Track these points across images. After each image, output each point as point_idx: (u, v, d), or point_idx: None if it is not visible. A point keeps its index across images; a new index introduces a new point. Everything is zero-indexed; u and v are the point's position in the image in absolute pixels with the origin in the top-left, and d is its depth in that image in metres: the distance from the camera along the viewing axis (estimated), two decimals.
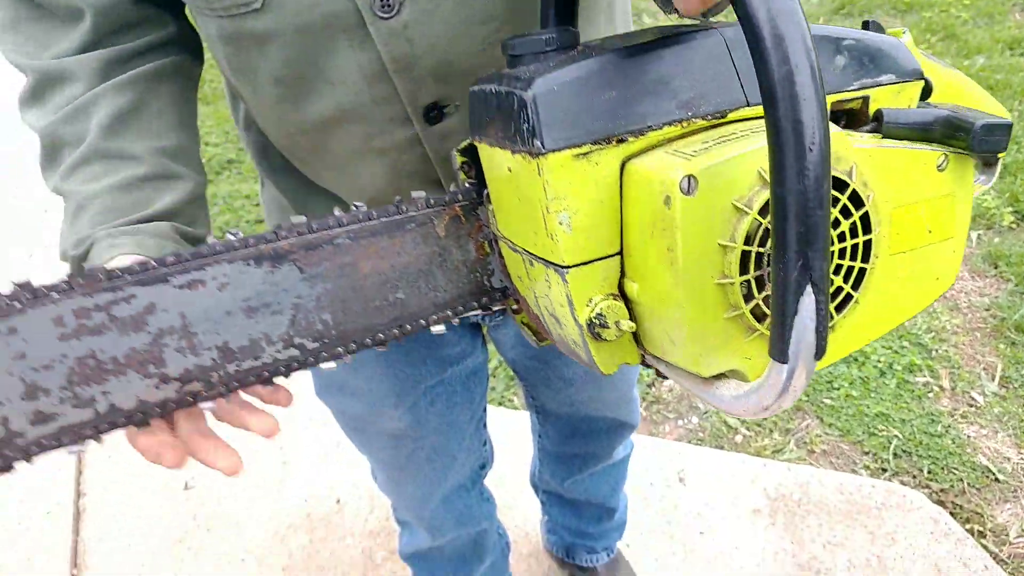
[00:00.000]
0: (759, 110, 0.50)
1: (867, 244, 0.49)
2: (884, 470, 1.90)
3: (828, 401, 2.05)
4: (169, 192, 0.64)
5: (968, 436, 1.96)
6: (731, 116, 0.50)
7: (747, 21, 0.37)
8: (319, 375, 0.97)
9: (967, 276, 2.44)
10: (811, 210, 0.37)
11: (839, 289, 0.50)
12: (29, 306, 0.46)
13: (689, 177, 0.43)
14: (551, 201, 0.47)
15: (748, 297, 0.47)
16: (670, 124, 0.48)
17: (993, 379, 2.11)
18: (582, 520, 1.51)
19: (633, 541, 1.74)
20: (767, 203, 0.44)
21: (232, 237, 0.52)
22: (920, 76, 0.56)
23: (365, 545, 1.77)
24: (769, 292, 0.44)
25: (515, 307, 0.63)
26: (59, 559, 1.75)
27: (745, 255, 0.46)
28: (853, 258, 0.49)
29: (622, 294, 0.51)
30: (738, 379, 0.49)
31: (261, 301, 0.52)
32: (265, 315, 0.53)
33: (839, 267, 0.49)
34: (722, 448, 1.95)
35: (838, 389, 2.07)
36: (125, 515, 1.86)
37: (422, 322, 0.59)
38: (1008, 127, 0.53)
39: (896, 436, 1.96)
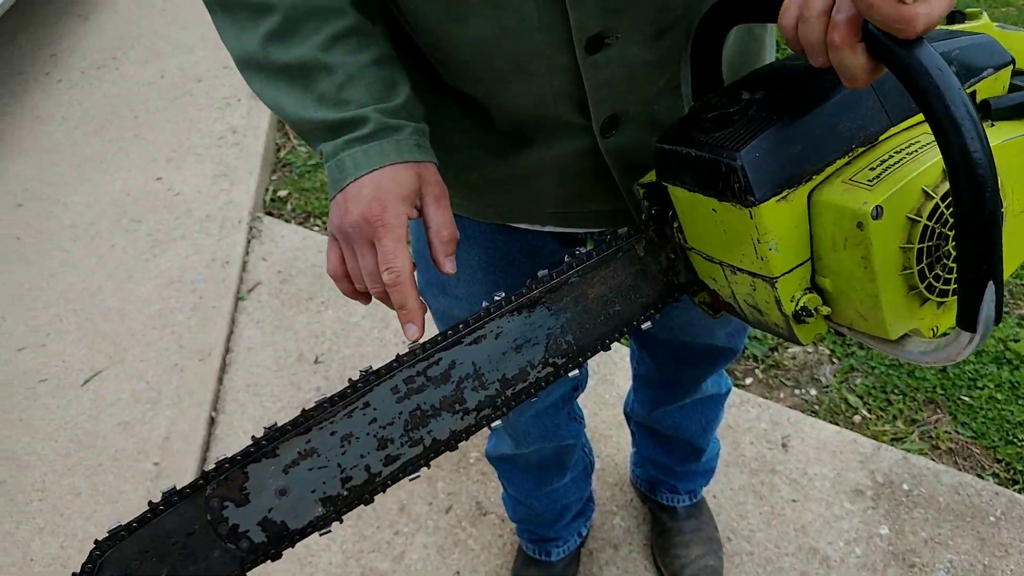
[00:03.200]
0: (902, 126, 0.63)
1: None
2: (1015, 482, 1.76)
3: (967, 399, 1.90)
4: (403, 75, 0.71)
5: None
6: (881, 138, 0.63)
7: (929, 117, 0.50)
8: (424, 274, 1.03)
9: None
10: (989, 234, 0.51)
11: None
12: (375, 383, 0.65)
13: (877, 207, 0.57)
14: (762, 235, 0.62)
15: (922, 277, 0.61)
16: (840, 157, 0.62)
17: None
18: (669, 456, 1.52)
19: (720, 493, 1.73)
20: (932, 209, 0.59)
21: (498, 298, 0.69)
22: (1009, 62, 0.67)
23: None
24: (937, 271, 0.62)
25: (693, 290, 0.78)
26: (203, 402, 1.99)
27: (920, 250, 0.60)
28: None
29: (813, 286, 0.66)
30: (916, 335, 0.64)
31: (525, 339, 0.70)
32: (528, 348, 0.70)
33: None
34: (836, 424, 1.87)
35: (981, 389, 1.92)
36: (263, 375, 2.07)
37: (634, 323, 0.76)
38: None
39: None
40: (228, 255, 2.40)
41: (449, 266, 0.70)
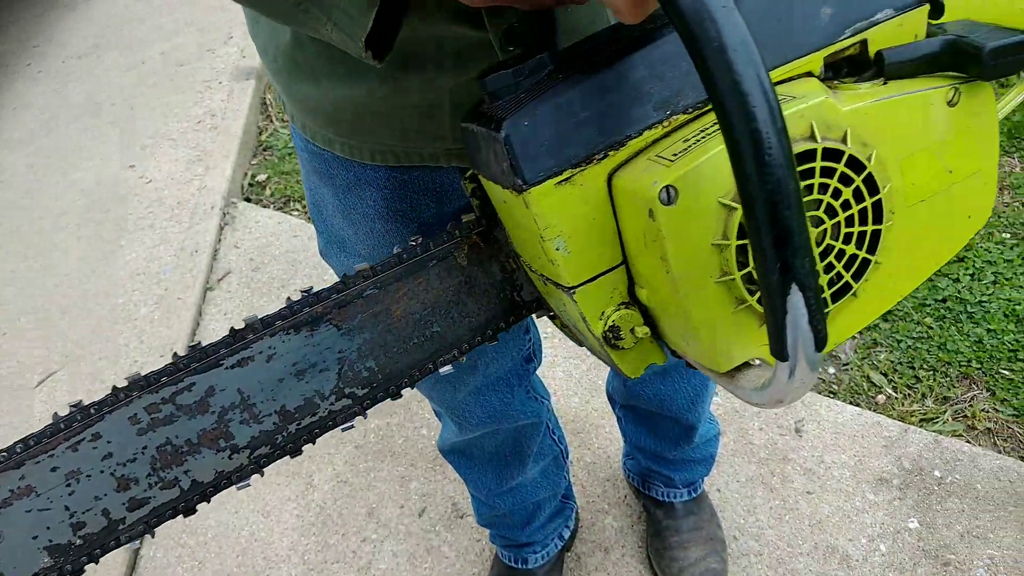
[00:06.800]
0: None
1: (877, 205, 0.49)
2: None
3: (1006, 372, 1.68)
4: None
5: None
6: None
7: (683, 32, 0.35)
8: (323, 232, 0.89)
9: None
10: (781, 213, 0.36)
11: (854, 257, 0.50)
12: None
13: (667, 188, 0.44)
14: (543, 230, 0.49)
15: (754, 289, 0.47)
16: (649, 128, 0.48)
17: None
18: (657, 438, 1.33)
19: (725, 487, 1.54)
20: None
21: (398, 250, 0.61)
22: (920, 1, 0.51)
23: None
24: None
25: (552, 313, 0.65)
26: None
27: (742, 248, 0.46)
28: (864, 223, 0.49)
29: (635, 301, 0.53)
30: (765, 365, 0.51)
31: (308, 363, 0.59)
32: (314, 374, 0.60)
33: (849, 235, 0.49)
34: (857, 406, 1.66)
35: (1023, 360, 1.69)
36: None
37: (464, 346, 0.64)
38: (1022, 44, 0.48)
39: None
40: (198, 243, 2.26)
41: None
